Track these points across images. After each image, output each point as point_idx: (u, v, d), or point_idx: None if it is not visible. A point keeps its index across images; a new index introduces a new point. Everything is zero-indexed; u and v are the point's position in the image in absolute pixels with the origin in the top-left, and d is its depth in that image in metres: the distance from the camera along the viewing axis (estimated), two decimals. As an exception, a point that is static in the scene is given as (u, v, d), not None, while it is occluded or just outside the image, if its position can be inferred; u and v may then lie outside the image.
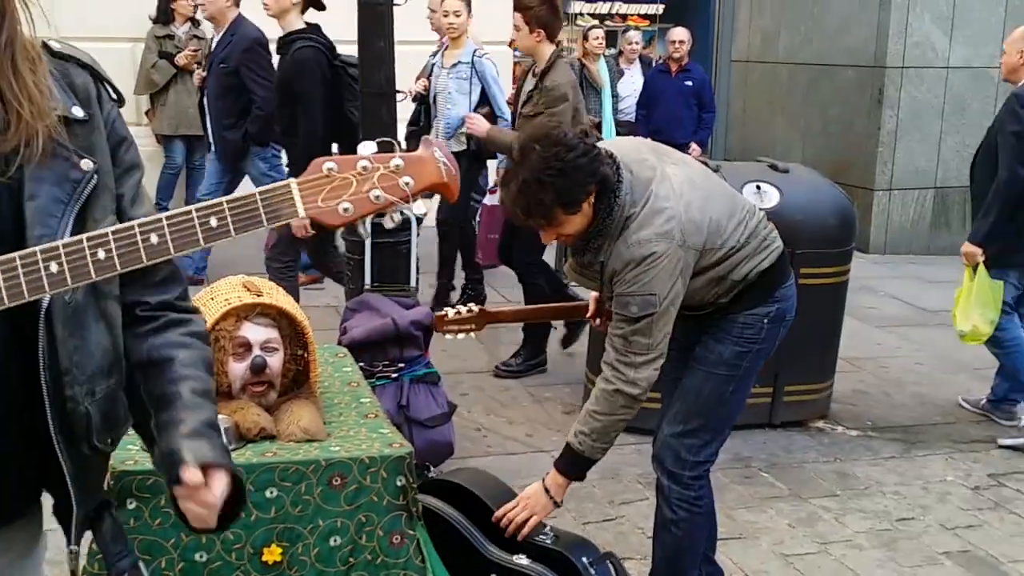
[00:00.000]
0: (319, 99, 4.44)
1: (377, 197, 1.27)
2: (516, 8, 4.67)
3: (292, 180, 1.27)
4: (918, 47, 8.05)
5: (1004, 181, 4.33)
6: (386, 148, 1.32)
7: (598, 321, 2.95)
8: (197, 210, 1.23)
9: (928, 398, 5.01)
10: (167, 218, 1.22)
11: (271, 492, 2.09)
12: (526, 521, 2.55)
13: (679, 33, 7.87)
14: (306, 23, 4.57)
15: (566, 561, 2.53)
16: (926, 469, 4.20)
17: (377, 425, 2.34)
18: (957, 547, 3.56)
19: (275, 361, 2.26)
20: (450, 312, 2.99)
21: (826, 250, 4.31)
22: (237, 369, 2.23)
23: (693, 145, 7.58)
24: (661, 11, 10.58)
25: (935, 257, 7.92)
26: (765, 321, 2.64)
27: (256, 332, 2.22)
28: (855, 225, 4.64)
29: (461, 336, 3.05)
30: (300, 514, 2.12)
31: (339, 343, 3.48)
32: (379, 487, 2.17)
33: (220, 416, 2.19)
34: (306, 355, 2.36)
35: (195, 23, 7.19)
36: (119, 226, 1.22)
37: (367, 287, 3.93)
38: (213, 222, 1.23)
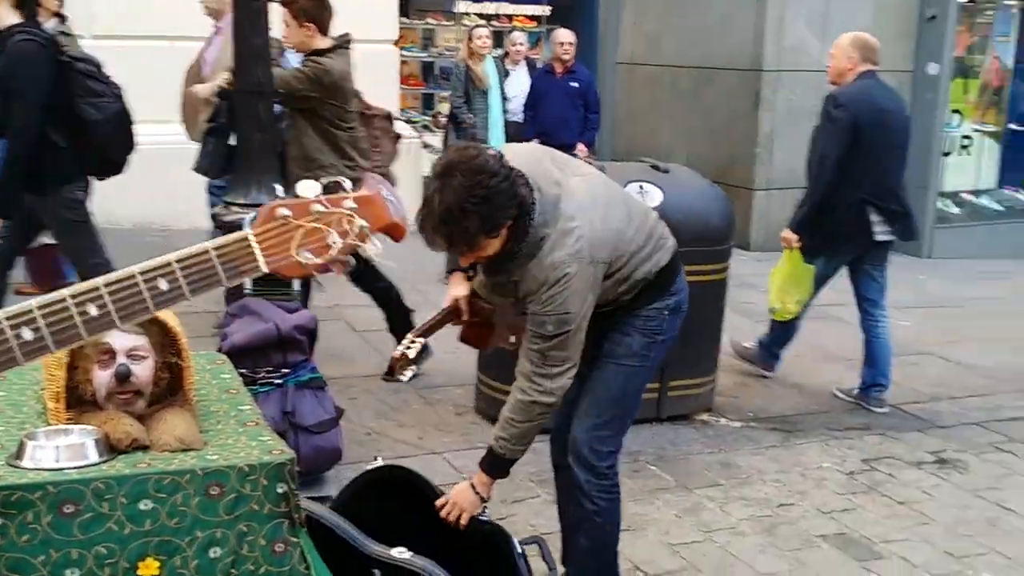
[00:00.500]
0: (38, 96, 4.16)
1: (335, 243, 1.22)
2: (281, 3, 4.55)
3: (249, 232, 1.20)
4: (793, 51, 8.33)
5: (815, 176, 4.74)
6: (332, 188, 1.26)
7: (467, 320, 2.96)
8: (142, 273, 1.14)
9: (806, 389, 5.19)
10: (106, 285, 1.12)
11: (145, 504, 2.03)
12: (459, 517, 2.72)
13: (565, 35, 7.95)
14: (25, 17, 4.26)
15: (500, 535, 2.72)
16: (803, 456, 4.36)
17: (257, 433, 2.30)
18: (833, 530, 3.70)
19: (142, 369, 2.20)
20: (410, 353, 2.87)
21: (707, 248, 4.42)
22: (102, 377, 2.16)
23: (580, 146, 7.67)
24: (548, 12, 10.67)
25: (812, 253, 8.20)
26: (666, 312, 2.78)
27: (121, 339, 2.15)
28: (734, 223, 4.79)
29: (410, 373, 2.98)
30: (177, 526, 2.06)
31: (219, 349, 3.40)
32: (260, 495, 2.12)
33: (89, 427, 2.13)
34: (180, 362, 2.31)
35: (61, 18, 6.90)
36: (46, 299, 1.10)
37: (247, 291, 3.85)
38: (163, 285, 1.14)
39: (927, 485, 4.12)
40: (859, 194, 4.66)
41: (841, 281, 5.03)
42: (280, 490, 2.14)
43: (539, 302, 2.51)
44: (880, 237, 4.76)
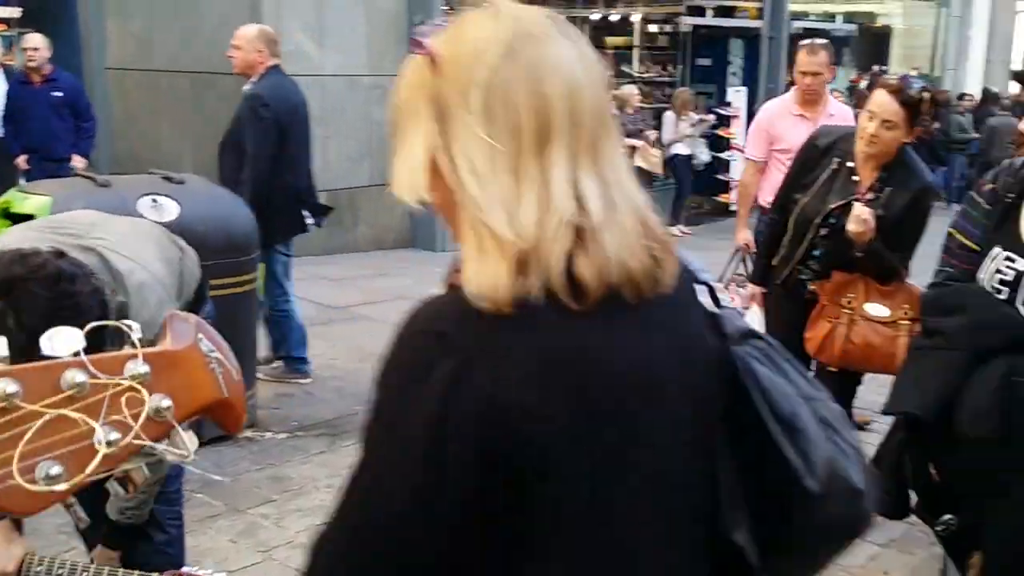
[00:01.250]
0: None
1: (111, 444, 0.70)
2: None
3: None
4: (292, 56, 8.34)
5: (251, 177, 4.88)
6: (105, 338, 0.71)
7: None
8: None
9: (346, 391, 5.24)
10: None
11: None
12: None
13: (34, 40, 7.30)
14: None
15: None
16: (351, 458, 4.34)
17: None
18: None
19: None
20: None
21: (233, 259, 4.29)
22: None
23: (76, 158, 7.11)
24: (19, 15, 9.63)
25: (333, 256, 8.34)
26: (208, 320, 2.67)
27: None
28: (256, 231, 4.68)
29: None
30: None
31: None
32: None
33: None
34: None
35: None
36: None
37: None
38: None
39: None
40: (288, 186, 4.99)
41: (365, 281, 5.16)
42: None
43: None
44: (310, 221, 5.19)
